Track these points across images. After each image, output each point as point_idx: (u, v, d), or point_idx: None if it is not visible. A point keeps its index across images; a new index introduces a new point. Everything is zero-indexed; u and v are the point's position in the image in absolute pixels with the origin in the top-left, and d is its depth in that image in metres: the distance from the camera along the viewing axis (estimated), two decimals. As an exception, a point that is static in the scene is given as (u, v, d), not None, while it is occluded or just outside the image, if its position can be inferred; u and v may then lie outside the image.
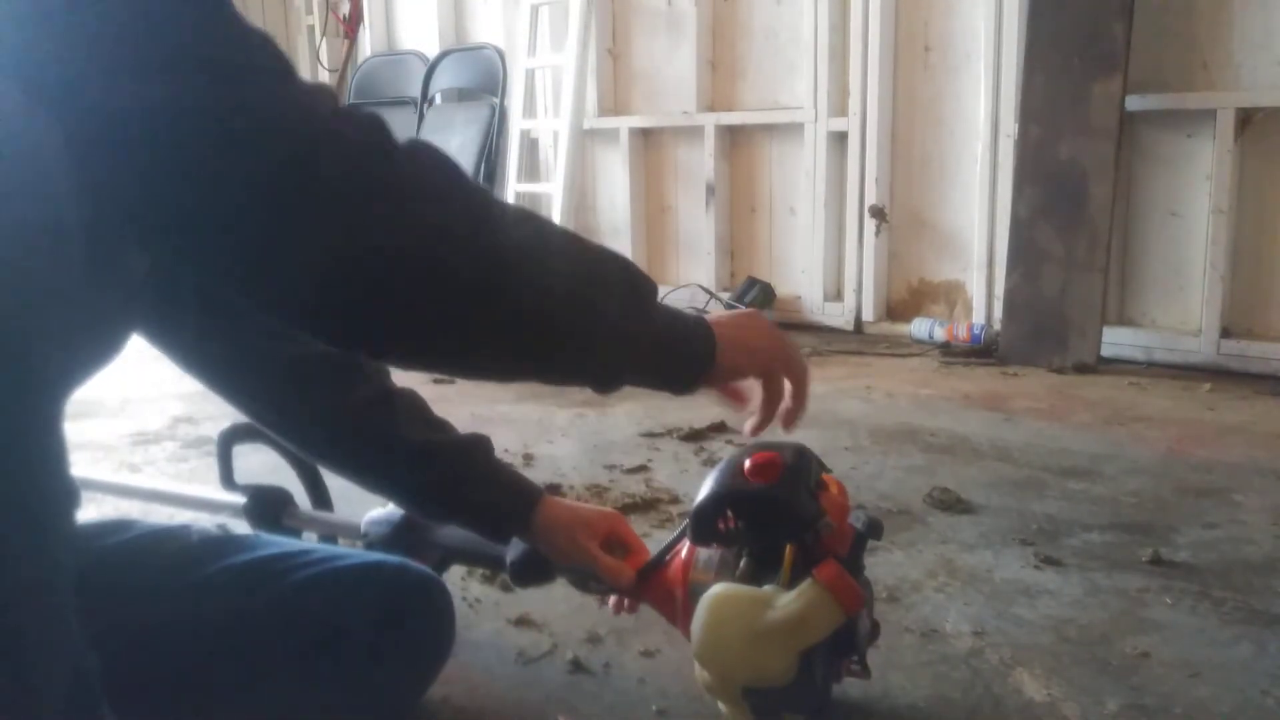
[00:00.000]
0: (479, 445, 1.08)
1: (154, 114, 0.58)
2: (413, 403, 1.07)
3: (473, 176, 4.30)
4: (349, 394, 1.03)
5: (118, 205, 0.62)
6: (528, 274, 0.70)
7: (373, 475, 1.06)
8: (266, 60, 0.63)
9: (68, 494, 0.63)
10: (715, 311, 0.90)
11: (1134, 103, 2.85)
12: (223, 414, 1.07)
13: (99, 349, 0.77)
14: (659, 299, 0.82)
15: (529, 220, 0.74)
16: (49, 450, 0.60)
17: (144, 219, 0.63)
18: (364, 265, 0.64)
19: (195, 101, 0.59)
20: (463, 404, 2.57)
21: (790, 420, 0.95)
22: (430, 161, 0.68)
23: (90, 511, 1.72)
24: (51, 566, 0.61)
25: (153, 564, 0.95)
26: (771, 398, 0.93)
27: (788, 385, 0.94)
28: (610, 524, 1.11)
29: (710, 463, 2.02)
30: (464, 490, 1.05)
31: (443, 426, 1.08)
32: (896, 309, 3.51)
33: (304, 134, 0.62)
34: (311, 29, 5.27)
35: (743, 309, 0.89)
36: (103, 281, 0.70)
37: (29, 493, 0.58)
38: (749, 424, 0.95)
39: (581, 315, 0.74)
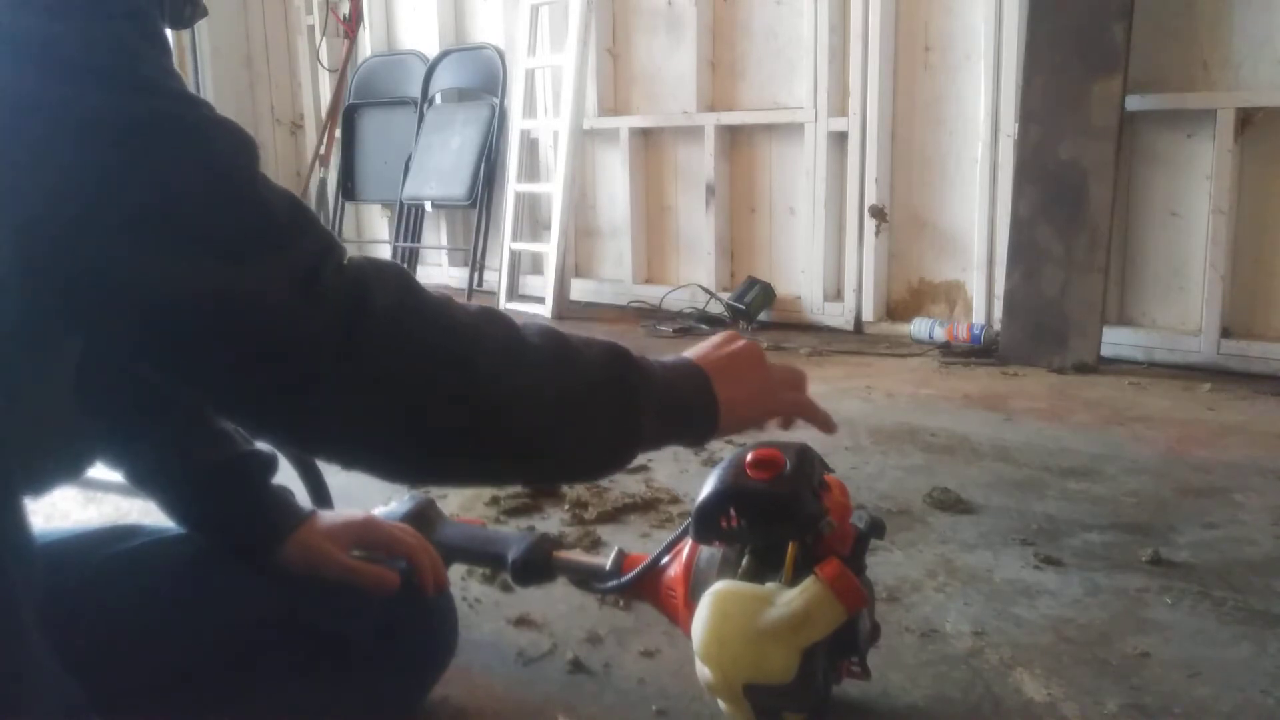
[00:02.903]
0: (249, 465, 1.01)
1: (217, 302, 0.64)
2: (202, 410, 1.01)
3: (472, 177, 4.30)
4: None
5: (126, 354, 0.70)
6: (521, 415, 0.74)
7: (146, 479, 1.00)
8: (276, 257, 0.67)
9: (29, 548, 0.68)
10: (708, 354, 0.89)
11: (1134, 103, 2.85)
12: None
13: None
14: (654, 386, 0.82)
15: (511, 350, 0.75)
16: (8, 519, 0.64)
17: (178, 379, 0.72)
18: (374, 434, 0.71)
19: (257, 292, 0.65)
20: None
21: (828, 428, 0.99)
22: (415, 327, 0.71)
23: (91, 512, 1.72)
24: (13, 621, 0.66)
25: (155, 572, 0.95)
26: (801, 406, 0.97)
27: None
28: (358, 530, 1.05)
29: (710, 463, 2.02)
30: (213, 512, 0.99)
31: (223, 440, 1.01)
32: (896, 309, 3.51)
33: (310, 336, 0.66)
34: (311, 29, 5.27)
35: (730, 345, 0.91)
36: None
37: None
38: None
39: (573, 442, 0.78)
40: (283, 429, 0.72)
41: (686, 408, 0.84)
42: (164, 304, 0.63)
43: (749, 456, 0.95)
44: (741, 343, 0.92)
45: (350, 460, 0.74)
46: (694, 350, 0.90)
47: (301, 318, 0.65)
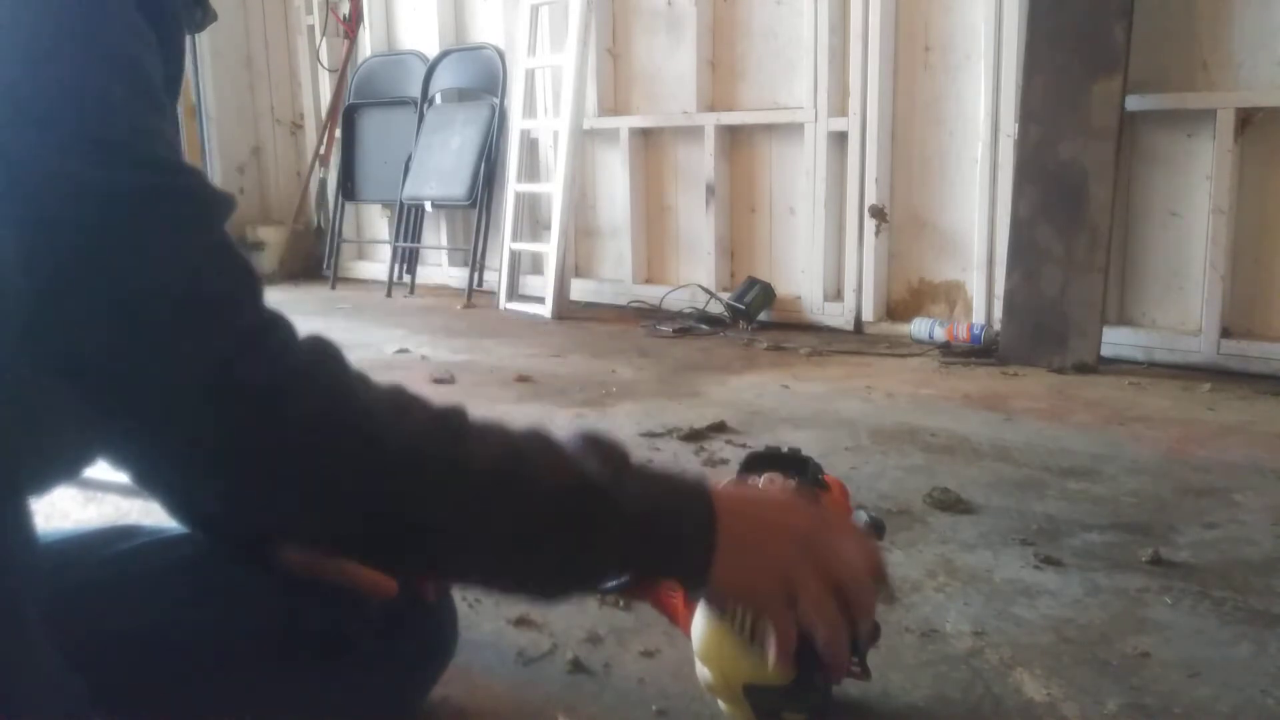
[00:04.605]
0: None
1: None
2: None
3: (472, 177, 4.30)
4: None
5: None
6: (449, 550, 0.69)
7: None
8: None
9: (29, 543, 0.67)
10: (739, 496, 0.73)
11: (1134, 103, 2.85)
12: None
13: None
14: (622, 524, 0.72)
15: (451, 475, 0.69)
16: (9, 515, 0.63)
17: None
18: (325, 512, 0.66)
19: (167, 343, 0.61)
20: (464, 404, 2.57)
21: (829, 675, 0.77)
22: (335, 445, 0.65)
23: (91, 512, 1.72)
24: (14, 616, 0.65)
25: (156, 572, 0.95)
26: (780, 638, 0.76)
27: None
28: None
29: (710, 463, 2.02)
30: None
31: None
32: (896, 309, 3.51)
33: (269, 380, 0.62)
34: (311, 29, 5.28)
35: (776, 490, 0.77)
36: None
37: None
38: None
39: (511, 581, 0.73)
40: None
41: (663, 549, 0.73)
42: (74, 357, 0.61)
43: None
44: (795, 499, 0.77)
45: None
46: (732, 482, 0.79)
47: (201, 415, 0.61)
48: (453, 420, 0.71)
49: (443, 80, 4.64)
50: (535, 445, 0.73)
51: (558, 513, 0.70)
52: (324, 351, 0.67)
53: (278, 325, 0.65)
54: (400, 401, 0.69)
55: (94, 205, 0.59)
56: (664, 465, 0.75)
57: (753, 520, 0.73)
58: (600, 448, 0.74)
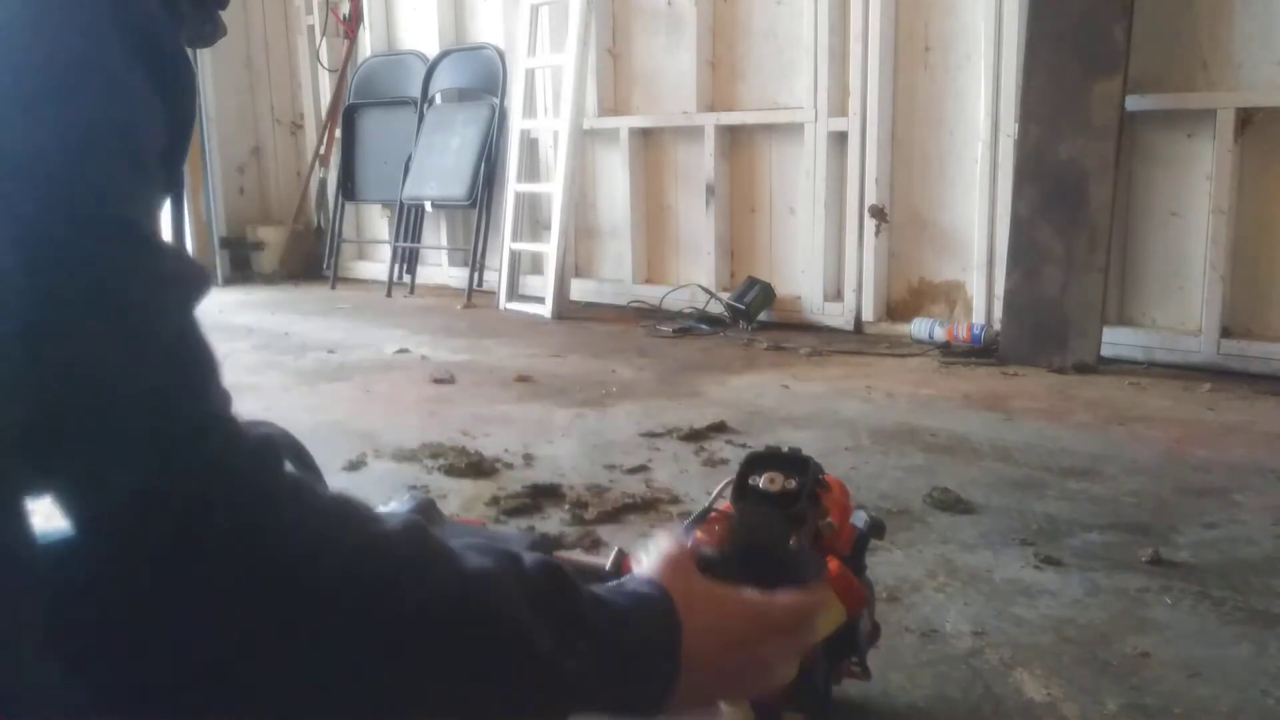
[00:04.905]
0: None
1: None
2: None
3: (472, 177, 4.30)
4: None
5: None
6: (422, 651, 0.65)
7: None
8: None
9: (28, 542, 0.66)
10: (691, 589, 0.73)
11: (1134, 103, 2.85)
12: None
13: None
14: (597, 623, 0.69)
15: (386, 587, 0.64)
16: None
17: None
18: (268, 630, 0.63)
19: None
20: (464, 404, 2.57)
21: None
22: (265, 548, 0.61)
23: (90, 511, 1.72)
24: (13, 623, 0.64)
25: None
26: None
27: None
28: None
29: (710, 463, 2.02)
30: None
31: None
32: (896, 309, 3.51)
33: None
34: (311, 29, 5.28)
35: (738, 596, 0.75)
36: None
37: None
38: None
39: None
40: None
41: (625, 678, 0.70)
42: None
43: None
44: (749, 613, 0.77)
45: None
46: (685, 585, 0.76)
47: (118, 517, 0.59)
48: (389, 553, 0.65)
49: (443, 80, 4.64)
50: (482, 596, 0.67)
51: (488, 685, 0.66)
52: (263, 456, 0.62)
53: (216, 427, 0.61)
54: (339, 519, 0.65)
55: (50, 264, 0.56)
56: (631, 596, 0.73)
57: (716, 669, 0.73)
58: (554, 589, 0.70)
